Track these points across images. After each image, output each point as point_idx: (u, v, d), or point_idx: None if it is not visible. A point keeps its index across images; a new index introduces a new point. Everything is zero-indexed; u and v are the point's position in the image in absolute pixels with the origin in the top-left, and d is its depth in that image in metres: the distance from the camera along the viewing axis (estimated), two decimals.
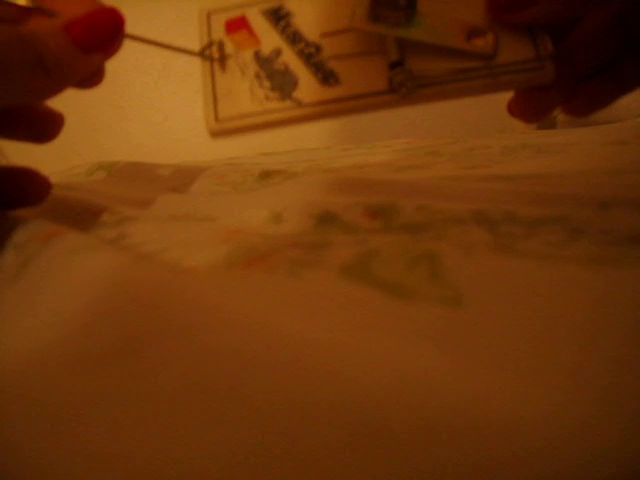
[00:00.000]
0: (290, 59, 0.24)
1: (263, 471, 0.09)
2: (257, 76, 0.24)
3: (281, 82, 0.23)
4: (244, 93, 0.24)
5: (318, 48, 0.24)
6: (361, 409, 0.10)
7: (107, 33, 0.22)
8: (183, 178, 0.41)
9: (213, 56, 0.24)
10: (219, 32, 0.25)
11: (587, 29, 0.23)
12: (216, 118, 0.23)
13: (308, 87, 0.23)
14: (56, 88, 0.21)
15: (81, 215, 0.26)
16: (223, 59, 0.24)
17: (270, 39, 0.24)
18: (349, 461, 0.09)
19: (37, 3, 0.21)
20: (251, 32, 0.24)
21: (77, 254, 0.16)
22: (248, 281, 0.15)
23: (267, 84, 0.23)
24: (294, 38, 0.24)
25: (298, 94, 0.23)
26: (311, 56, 0.24)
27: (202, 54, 0.24)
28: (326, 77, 0.23)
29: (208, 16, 0.25)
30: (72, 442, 0.10)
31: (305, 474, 0.09)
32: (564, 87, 0.23)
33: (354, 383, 0.10)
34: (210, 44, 0.24)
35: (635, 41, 0.23)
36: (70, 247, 0.17)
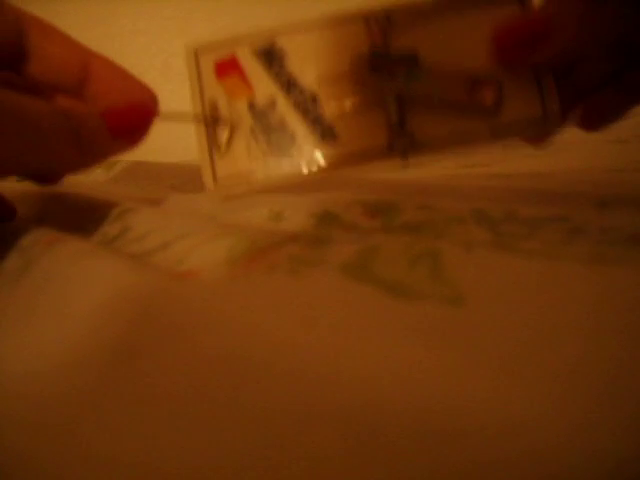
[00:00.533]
0: (286, 111, 0.23)
1: (261, 473, 0.09)
2: (252, 132, 0.23)
3: (278, 141, 0.23)
4: (241, 152, 0.23)
5: (314, 98, 0.23)
6: (357, 412, 0.10)
7: (137, 127, 0.23)
8: (183, 177, 0.41)
9: (207, 119, 0.23)
10: (209, 76, 0.23)
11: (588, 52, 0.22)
12: (214, 178, 0.23)
13: (306, 144, 0.23)
14: (82, 164, 0.22)
15: (84, 210, 0.26)
16: (217, 121, 0.23)
17: (264, 86, 0.23)
18: (346, 464, 0.09)
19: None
20: (243, 77, 0.23)
21: (78, 259, 0.16)
22: (249, 283, 0.15)
23: (263, 142, 0.23)
24: (289, 85, 0.23)
25: (296, 152, 0.22)
26: (308, 109, 0.23)
27: (196, 119, 0.23)
28: (324, 134, 0.22)
29: (196, 56, 0.24)
30: (74, 446, 0.10)
31: (306, 475, 0.09)
32: (565, 105, 0.23)
33: (353, 386, 0.10)
34: (202, 105, 0.23)
35: (637, 56, 0.22)
36: (72, 252, 0.17)
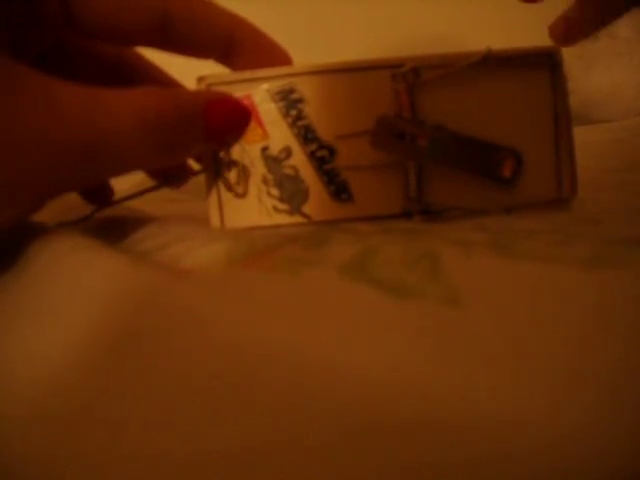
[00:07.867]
0: (301, 163, 0.22)
1: (259, 461, 0.09)
2: (264, 181, 0.22)
3: (290, 192, 0.22)
4: (251, 201, 0.22)
5: (332, 151, 0.21)
6: (354, 407, 0.10)
7: (233, 130, 0.21)
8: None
9: (217, 161, 0.22)
10: None
11: None
12: (221, 221, 0.22)
13: (319, 202, 0.22)
14: (152, 167, 0.20)
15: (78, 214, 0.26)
16: (230, 165, 0.22)
17: (280, 133, 0.22)
18: (343, 457, 0.09)
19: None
20: (258, 121, 0.22)
21: (76, 253, 0.16)
22: (248, 281, 0.15)
23: (275, 192, 0.22)
24: (306, 135, 0.21)
25: (308, 209, 0.22)
26: (324, 162, 0.21)
27: (205, 160, 0.22)
28: (338, 191, 0.22)
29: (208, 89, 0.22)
30: (83, 437, 0.10)
31: (303, 468, 0.09)
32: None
33: (350, 380, 0.11)
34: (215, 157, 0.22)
35: None
36: (69, 246, 0.17)
